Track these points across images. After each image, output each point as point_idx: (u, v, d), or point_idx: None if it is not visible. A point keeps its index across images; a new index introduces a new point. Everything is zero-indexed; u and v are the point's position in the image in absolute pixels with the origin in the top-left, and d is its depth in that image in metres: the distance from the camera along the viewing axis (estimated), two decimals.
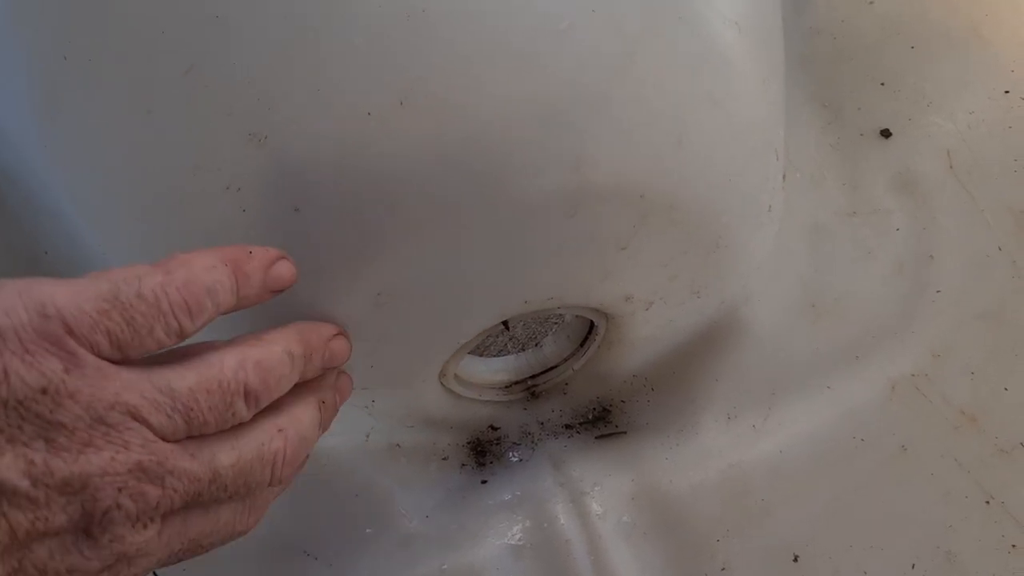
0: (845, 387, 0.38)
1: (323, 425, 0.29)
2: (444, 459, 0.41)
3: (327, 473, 0.38)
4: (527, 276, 0.33)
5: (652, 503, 0.37)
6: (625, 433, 0.41)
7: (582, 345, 0.42)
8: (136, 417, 0.21)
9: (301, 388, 0.28)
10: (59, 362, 0.20)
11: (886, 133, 0.42)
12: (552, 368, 0.43)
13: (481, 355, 0.45)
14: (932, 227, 0.41)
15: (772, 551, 0.36)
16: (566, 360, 0.43)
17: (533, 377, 0.44)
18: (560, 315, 0.41)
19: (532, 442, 0.42)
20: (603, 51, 0.29)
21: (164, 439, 0.22)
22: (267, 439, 0.25)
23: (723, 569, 0.35)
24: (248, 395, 0.24)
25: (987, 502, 0.35)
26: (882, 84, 0.43)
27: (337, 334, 0.30)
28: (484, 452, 0.42)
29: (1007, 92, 0.42)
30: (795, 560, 0.35)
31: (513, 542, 0.37)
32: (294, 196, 0.30)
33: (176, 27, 0.29)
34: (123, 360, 0.22)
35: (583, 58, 0.29)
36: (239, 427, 0.25)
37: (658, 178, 0.32)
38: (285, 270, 0.27)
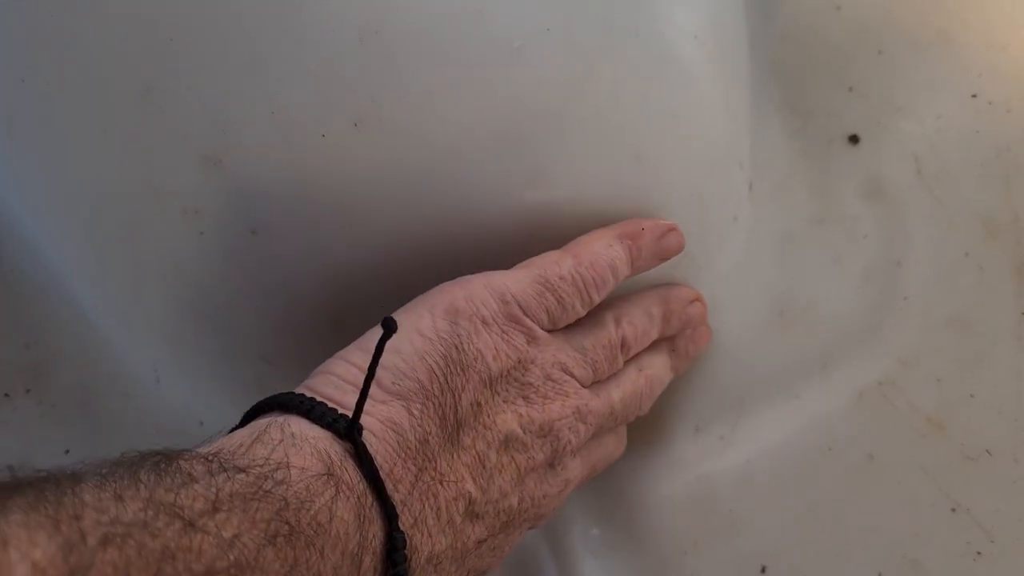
0: (813, 396, 0.38)
1: (674, 368, 0.34)
2: None
3: None
4: None
5: (620, 516, 0.37)
6: None
7: None
8: (568, 372, 0.28)
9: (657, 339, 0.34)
10: (523, 336, 0.27)
11: (854, 139, 0.42)
12: None
13: None
14: (900, 233, 0.40)
15: (740, 562, 0.36)
16: None
17: None
18: None
19: None
20: (558, 70, 0.29)
21: (583, 386, 0.29)
22: (635, 379, 0.32)
23: None
24: (624, 347, 0.31)
25: (953, 510, 0.35)
26: (850, 89, 0.43)
27: (695, 299, 0.35)
28: None
29: (974, 96, 0.42)
30: (762, 571, 0.35)
31: None
32: (250, 219, 0.30)
33: (131, 51, 0.29)
34: (553, 331, 0.28)
35: (537, 77, 0.29)
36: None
37: (618, 194, 0.32)
38: (674, 240, 0.32)
